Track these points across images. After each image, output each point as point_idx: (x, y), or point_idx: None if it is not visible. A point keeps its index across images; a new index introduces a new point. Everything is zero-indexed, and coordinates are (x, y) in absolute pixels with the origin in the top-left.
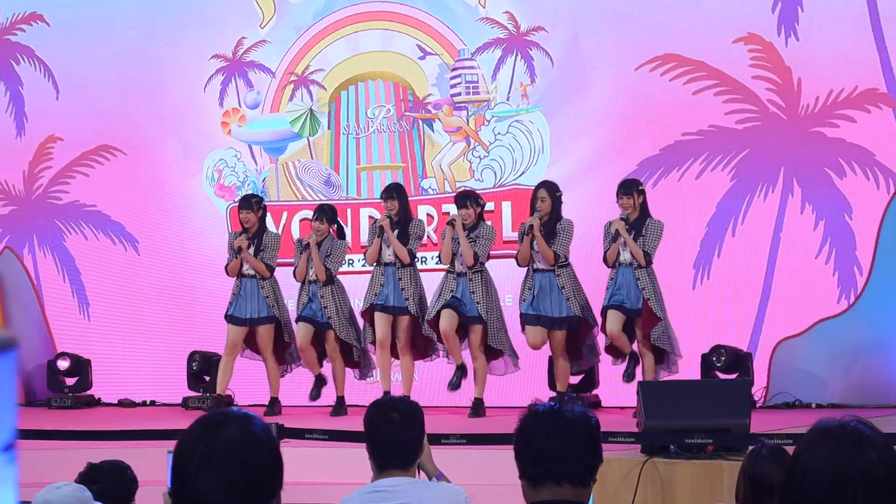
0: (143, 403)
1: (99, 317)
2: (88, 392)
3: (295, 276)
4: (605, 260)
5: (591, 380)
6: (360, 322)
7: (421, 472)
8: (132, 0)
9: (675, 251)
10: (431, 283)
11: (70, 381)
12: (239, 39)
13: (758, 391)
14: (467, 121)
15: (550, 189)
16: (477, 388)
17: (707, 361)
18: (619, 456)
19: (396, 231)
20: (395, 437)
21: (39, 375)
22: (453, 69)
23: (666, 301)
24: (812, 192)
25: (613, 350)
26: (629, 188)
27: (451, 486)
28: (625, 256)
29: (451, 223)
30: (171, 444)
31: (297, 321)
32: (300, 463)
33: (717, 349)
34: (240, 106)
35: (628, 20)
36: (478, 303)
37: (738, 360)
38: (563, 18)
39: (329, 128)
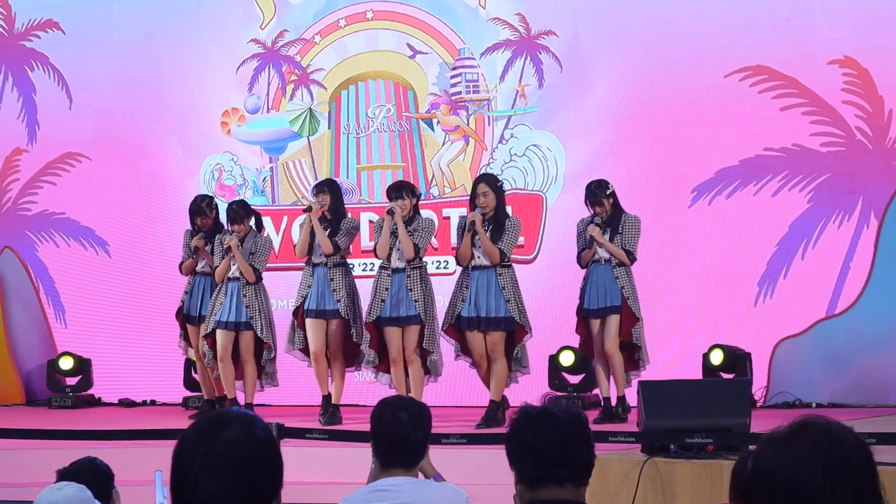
0: (143, 403)
1: (99, 318)
2: (88, 392)
3: (215, 278)
4: (579, 260)
5: (591, 379)
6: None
7: (419, 472)
8: (133, 2)
9: (740, 266)
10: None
11: (71, 381)
12: (281, 31)
13: (758, 391)
14: (467, 120)
15: (491, 182)
16: (414, 395)
17: (707, 361)
18: (619, 456)
19: (328, 230)
20: (403, 437)
21: (39, 375)
22: (454, 68)
23: (725, 317)
24: (888, 226)
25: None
26: (597, 196)
27: (453, 487)
28: (601, 253)
29: (391, 213)
30: (171, 444)
31: (215, 328)
32: (300, 463)
33: (716, 349)
34: (239, 106)
35: (628, 22)
36: (415, 301)
37: (738, 360)
38: (563, 18)
39: (329, 127)
